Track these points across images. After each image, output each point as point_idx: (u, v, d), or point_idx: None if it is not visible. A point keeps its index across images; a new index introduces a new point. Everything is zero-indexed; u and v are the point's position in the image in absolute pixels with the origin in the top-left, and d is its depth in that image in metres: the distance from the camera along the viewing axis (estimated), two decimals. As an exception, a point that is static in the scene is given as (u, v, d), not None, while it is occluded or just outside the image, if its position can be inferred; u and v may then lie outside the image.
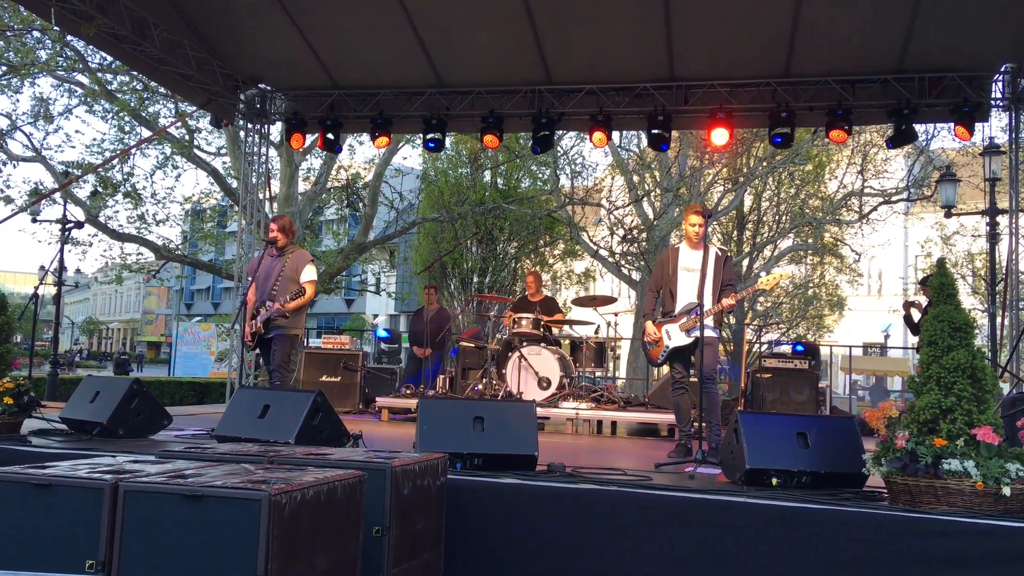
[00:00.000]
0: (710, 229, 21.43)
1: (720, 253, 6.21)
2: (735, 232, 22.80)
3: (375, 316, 45.10)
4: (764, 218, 22.14)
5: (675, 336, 6.11)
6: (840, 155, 20.33)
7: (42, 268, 11.19)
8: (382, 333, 11.42)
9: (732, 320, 22.77)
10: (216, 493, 2.71)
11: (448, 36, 9.13)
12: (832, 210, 20.37)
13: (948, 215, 13.43)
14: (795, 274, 25.51)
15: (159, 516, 2.75)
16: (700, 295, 5.92)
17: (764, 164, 18.93)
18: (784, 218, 21.49)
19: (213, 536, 2.69)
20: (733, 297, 5.99)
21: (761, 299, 23.56)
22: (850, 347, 18.99)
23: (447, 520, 4.02)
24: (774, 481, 4.29)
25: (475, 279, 21.30)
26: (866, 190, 20.19)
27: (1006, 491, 3.61)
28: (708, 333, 6.02)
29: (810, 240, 21.50)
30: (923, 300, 9.47)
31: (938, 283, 3.95)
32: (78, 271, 26.89)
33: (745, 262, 22.02)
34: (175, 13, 8.96)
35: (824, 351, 20.41)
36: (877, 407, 4.08)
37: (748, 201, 21.92)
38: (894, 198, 20.06)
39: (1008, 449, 3.75)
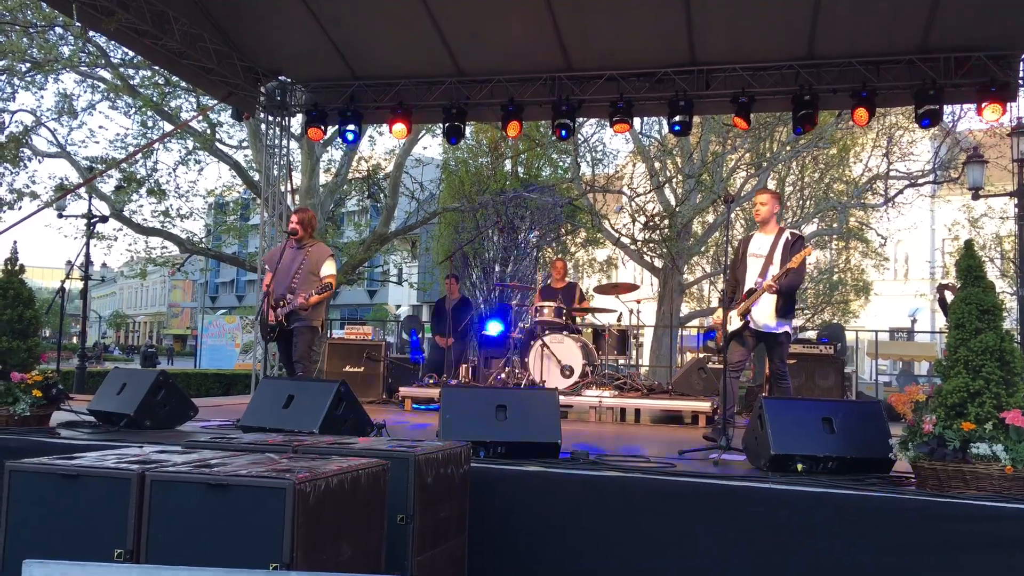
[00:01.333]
0: (732, 215, 21.42)
1: (791, 237, 6.11)
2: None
3: (398, 307, 45.27)
4: (788, 203, 21.92)
5: (734, 321, 6.10)
6: (865, 138, 20.06)
7: (69, 263, 11.36)
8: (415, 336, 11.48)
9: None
10: (241, 482, 2.73)
11: (467, 24, 9.10)
12: (857, 194, 20.12)
13: (975, 197, 13.25)
14: (820, 259, 25.25)
15: (185, 505, 2.77)
16: (760, 279, 5.93)
17: (788, 148, 18.72)
18: (808, 203, 21.26)
19: (239, 524, 2.71)
20: (773, 279, 5.88)
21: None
22: (876, 332, 18.78)
23: (471, 508, 4.03)
24: (799, 467, 4.25)
25: (497, 268, 21.27)
26: (892, 173, 19.92)
27: (1036, 475, 3.56)
28: (780, 330, 6.01)
29: (835, 225, 21.26)
30: (957, 283, 9.35)
31: (966, 265, 3.90)
32: (104, 265, 27.24)
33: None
34: (195, 7, 9.00)
35: (850, 336, 20.25)
36: (904, 391, 4.03)
37: (772, 186, 21.70)
38: (920, 180, 19.78)
39: (1038, 433, 3.69)
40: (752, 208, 6.21)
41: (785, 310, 6.02)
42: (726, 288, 6.45)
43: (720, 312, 6.29)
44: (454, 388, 6.01)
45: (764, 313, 5.98)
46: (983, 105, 8.81)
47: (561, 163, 20.90)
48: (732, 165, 19.01)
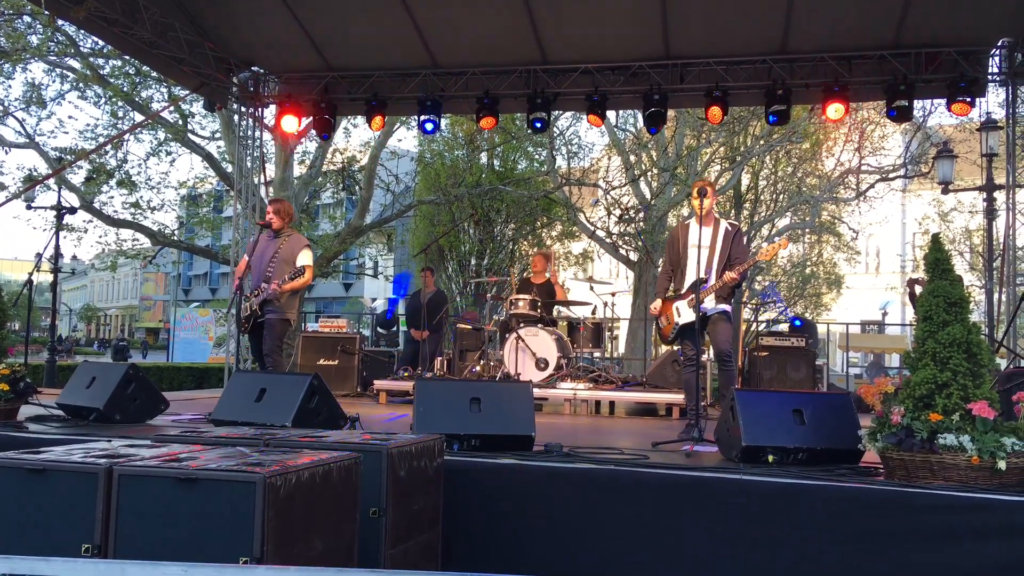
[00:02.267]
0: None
1: (730, 228, 6.17)
2: (732, 211, 22.78)
3: (373, 300, 45.07)
4: (762, 197, 22.12)
5: (684, 313, 6.08)
6: (837, 132, 20.25)
7: (38, 255, 11.20)
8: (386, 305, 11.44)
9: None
10: (210, 476, 2.71)
11: (442, 16, 9.07)
12: (829, 188, 20.33)
13: (945, 191, 13.44)
14: (793, 253, 25.50)
15: (154, 500, 2.75)
16: (707, 270, 5.98)
17: (761, 142, 18.85)
18: (782, 196, 21.45)
19: (208, 519, 2.69)
20: (736, 271, 5.96)
21: (759, 277, 23.55)
22: (847, 324, 19.00)
23: (445, 501, 4.02)
24: (770, 458, 4.29)
25: (473, 261, 21.27)
26: (863, 167, 20.13)
27: (1001, 465, 3.61)
28: (718, 310, 6.07)
29: (807, 218, 21.47)
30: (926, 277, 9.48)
31: (933, 258, 3.95)
32: (74, 258, 26.88)
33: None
34: (165, -5, 8.88)
35: (822, 329, 20.42)
36: (873, 383, 4.08)
37: (746, 180, 21.89)
38: (891, 175, 20.01)
39: (1004, 423, 3.75)
40: (695, 199, 6.13)
41: (726, 296, 6.13)
42: (661, 279, 6.48)
43: (659, 302, 6.30)
44: (428, 381, 5.99)
45: (706, 298, 6.03)
46: (952, 100, 8.94)
47: (537, 156, 20.91)
48: (707, 159, 19.10)
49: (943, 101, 9.37)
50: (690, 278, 6.06)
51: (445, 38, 9.45)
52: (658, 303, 6.33)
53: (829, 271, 25.43)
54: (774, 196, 21.68)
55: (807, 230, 23.07)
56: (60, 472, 2.84)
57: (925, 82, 9.11)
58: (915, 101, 9.51)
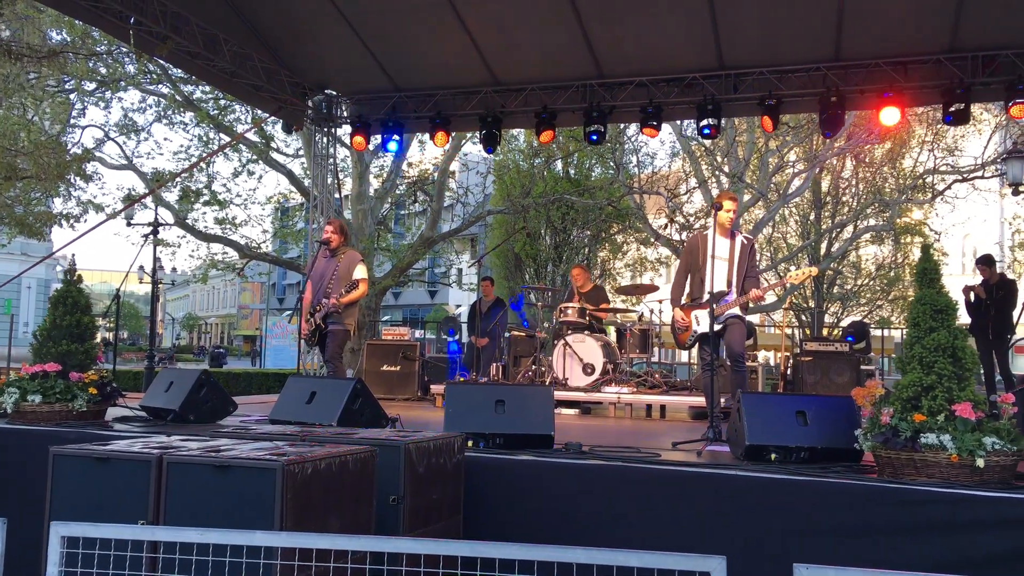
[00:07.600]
0: (786, 210, 21.28)
1: (746, 241, 6.46)
2: (812, 213, 22.48)
3: (457, 307, 45.94)
4: (843, 198, 21.76)
5: (704, 321, 6.32)
6: (916, 133, 19.76)
7: (141, 268, 12.17)
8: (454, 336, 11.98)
9: (811, 303, 22.58)
10: (240, 464, 3.20)
11: (500, 36, 9.49)
12: (907, 190, 19.85)
13: (1015, 193, 13.12)
14: (877, 255, 24.91)
15: (196, 483, 3.26)
16: (727, 283, 6.26)
17: (836, 145, 18.56)
18: (862, 197, 21.06)
19: (240, 499, 3.18)
20: (763, 290, 6.27)
21: (838, 281, 23.18)
22: (903, 330, 18.60)
23: (469, 492, 4.43)
24: (773, 456, 4.54)
25: (549, 268, 21.63)
26: (942, 167, 19.59)
27: (980, 463, 3.80)
28: (734, 314, 6.37)
29: (887, 220, 20.98)
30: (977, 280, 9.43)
31: (921, 268, 4.15)
32: (173, 270, 28.55)
33: (824, 243, 21.74)
34: (243, 28, 9.60)
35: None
36: (865, 386, 4.30)
37: (824, 184, 21.58)
38: (970, 176, 19.41)
39: (989, 424, 3.93)
40: (724, 212, 6.40)
41: (742, 304, 6.40)
42: (676, 286, 6.68)
43: (679, 311, 6.51)
44: (458, 385, 6.46)
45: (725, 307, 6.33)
46: (1011, 103, 8.85)
47: (611, 164, 21.11)
48: (776, 164, 18.93)
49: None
50: (711, 287, 6.30)
51: (504, 57, 9.88)
52: (679, 312, 6.56)
53: (915, 273, 24.61)
54: (855, 196, 21.30)
55: (888, 232, 22.52)
56: (120, 460, 3.39)
57: (983, 85, 9.05)
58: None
